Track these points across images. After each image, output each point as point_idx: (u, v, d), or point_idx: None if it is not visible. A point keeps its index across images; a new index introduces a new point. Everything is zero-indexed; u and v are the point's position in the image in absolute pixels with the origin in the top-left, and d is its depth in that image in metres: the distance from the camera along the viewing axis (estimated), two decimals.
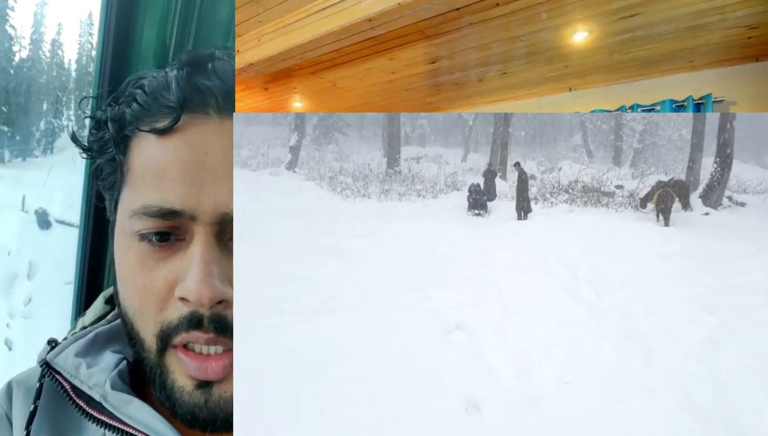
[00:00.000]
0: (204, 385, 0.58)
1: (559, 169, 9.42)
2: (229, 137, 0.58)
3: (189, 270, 0.56)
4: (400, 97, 3.78)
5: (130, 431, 0.60)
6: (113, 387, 0.62)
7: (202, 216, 0.56)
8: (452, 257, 3.83)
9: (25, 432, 0.64)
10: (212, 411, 0.59)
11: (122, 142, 0.62)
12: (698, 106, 2.72)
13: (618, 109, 3.01)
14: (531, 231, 4.89)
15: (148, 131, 0.59)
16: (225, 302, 0.57)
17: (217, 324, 0.57)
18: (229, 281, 0.58)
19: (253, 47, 2.84)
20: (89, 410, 0.62)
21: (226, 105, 0.58)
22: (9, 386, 0.70)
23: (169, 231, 0.58)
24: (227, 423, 0.59)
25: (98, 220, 0.66)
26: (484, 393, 1.71)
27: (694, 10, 2.17)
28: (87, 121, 0.67)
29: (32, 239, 8.94)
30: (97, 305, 0.76)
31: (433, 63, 3.04)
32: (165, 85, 0.59)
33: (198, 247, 0.56)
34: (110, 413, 0.61)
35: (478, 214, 6.76)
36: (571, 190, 8.13)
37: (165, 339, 0.58)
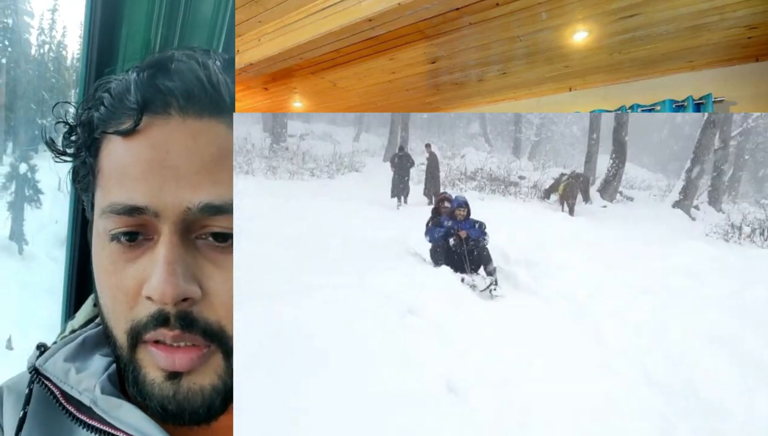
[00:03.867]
0: (173, 377, 0.59)
1: (462, 157, 9.51)
2: (193, 136, 0.59)
3: (154, 269, 0.57)
4: (400, 97, 3.78)
5: (121, 435, 0.60)
6: (103, 391, 0.63)
7: (165, 213, 0.57)
8: (381, 240, 3.72)
9: None
10: (180, 404, 0.59)
11: (92, 145, 0.63)
12: (698, 106, 2.72)
13: (618, 109, 3.02)
14: None
15: (114, 133, 0.60)
16: (190, 300, 0.58)
17: (182, 321, 0.58)
18: (194, 278, 0.58)
19: (253, 47, 2.84)
20: (79, 416, 0.63)
21: (187, 105, 0.60)
22: (0, 392, 0.70)
23: (137, 230, 0.59)
24: (195, 416, 0.60)
25: (87, 223, 0.67)
26: (453, 376, 1.70)
27: (694, 10, 2.17)
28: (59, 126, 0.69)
29: None
30: (87, 308, 0.76)
31: (433, 63, 3.05)
32: (128, 88, 0.61)
33: (162, 246, 0.58)
34: (100, 417, 0.62)
35: (399, 199, 6.23)
36: (479, 178, 8.20)
37: (135, 336, 0.60)
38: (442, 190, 6.36)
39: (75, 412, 0.63)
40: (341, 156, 9.17)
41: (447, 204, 3.44)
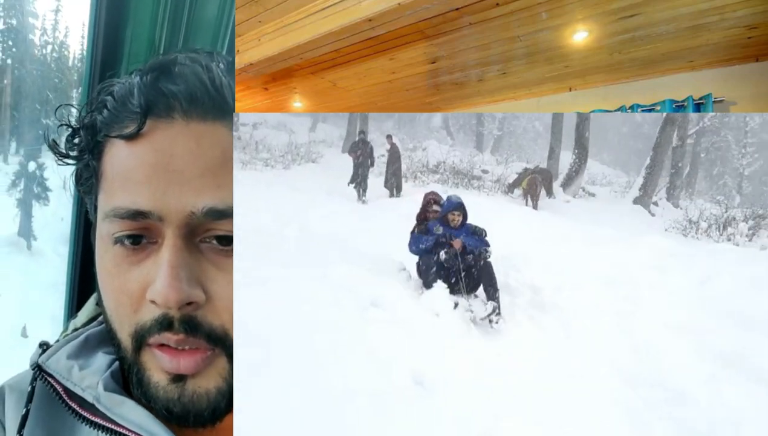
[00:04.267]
0: (178, 380, 0.59)
1: (424, 149, 9.49)
2: (196, 139, 0.59)
3: (158, 273, 0.57)
4: (400, 97, 3.78)
5: (124, 432, 0.60)
6: (106, 388, 0.63)
7: (169, 217, 0.57)
8: (339, 232, 3.68)
9: None
10: (185, 406, 0.60)
11: (95, 148, 0.63)
12: (698, 106, 2.72)
13: (618, 109, 3.01)
14: (414, 210, 4.72)
15: (117, 137, 0.60)
16: (195, 304, 0.58)
17: (186, 325, 0.58)
18: (198, 282, 0.58)
19: (253, 47, 2.84)
20: (82, 412, 0.63)
21: (190, 108, 0.59)
22: (2, 391, 0.70)
23: (141, 234, 0.59)
24: (200, 418, 0.60)
25: (90, 223, 0.67)
26: (418, 369, 1.69)
27: (694, 10, 2.17)
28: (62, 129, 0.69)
29: None
30: (89, 307, 0.76)
31: (433, 63, 3.04)
32: (131, 92, 0.61)
33: (166, 250, 0.58)
34: (103, 414, 0.62)
35: (358, 191, 5.93)
36: (441, 171, 8.18)
37: (139, 340, 0.60)
38: (404, 183, 6.15)
39: (78, 409, 0.63)
40: (297, 146, 8.90)
41: (436, 207, 2.81)
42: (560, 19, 2.35)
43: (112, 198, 0.60)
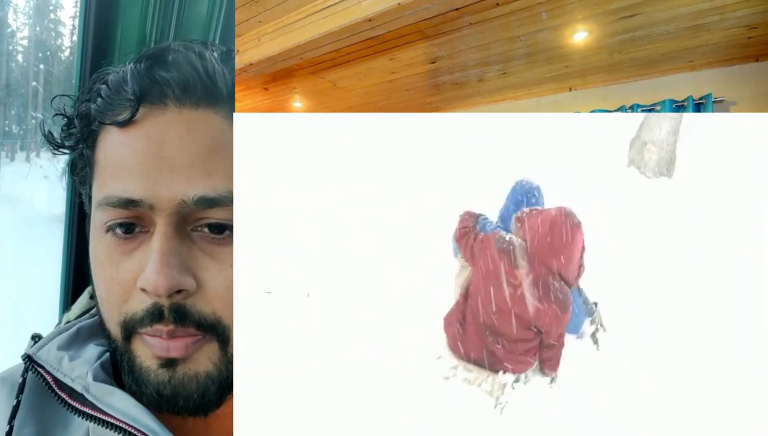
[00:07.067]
0: (168, 364, 0.60)
1: None
2: (187, 127, 0.59)
3: (148, 260, 0.57)
4: (400, 97, 3.78)
5: (113, 421, 0.60)
6: (95, 378, 0.63)
7: (160, 205, 0.57)
8: None
9: (8, 427, 0.64)
10: (175, 388, 0.60)
11: (90, 137, 0.63)
12: (698, 106, 2.73)
13: (618, 109, 3.02)
14: None
15: (110, 124, 0.60)
16: (185, 292, 0.58)
17: (176, 314, 0.58)
18: (189, 270, 0.58)
19: (253, 47, 2.84)
20: (71, 402, 0.63)
21: (183, 95, 0.59)
22: None
23: (133, 222, 0.59)
24: (190, 402, 0.60)
25: (83, 214, 0.68)
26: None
27: (694, 10, 2.17)
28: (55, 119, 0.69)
29: None
30: (83, 300, 0.76)
31: (433, 63, 3.05)
32: (125, 79, 0.61)
33: (157, 237, 0.58)
34: (92, 404, 0.62)
35: None
36: None
37: (129, 330, 0.60)
38: None
39: (67, 399, 0.63)
40: None
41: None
42: (560, 19, 2.35)
43: (104, 186, 0.60)
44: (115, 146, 0.60)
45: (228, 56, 0.67)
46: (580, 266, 1.45)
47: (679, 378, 1.51)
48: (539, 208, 1.45)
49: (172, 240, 0.58)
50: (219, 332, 0.60)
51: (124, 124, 0.59)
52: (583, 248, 1.43)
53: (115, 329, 0.61)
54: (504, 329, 1.33)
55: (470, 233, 1.49)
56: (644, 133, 3.72)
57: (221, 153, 0.59)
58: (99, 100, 0.63)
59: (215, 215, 0.58)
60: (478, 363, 1.40)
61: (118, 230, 0.59)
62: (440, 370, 1.45)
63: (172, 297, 0.58)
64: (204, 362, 0.60)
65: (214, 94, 0.60)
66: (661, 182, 3.60)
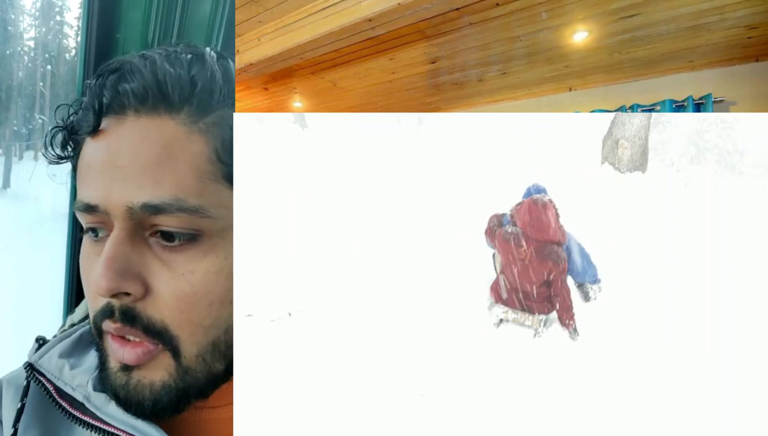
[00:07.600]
0: (126, 368, 0.61)
1: None
2: (142, 135, 0.60)
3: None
4: (400, 97, 3.78)
5: (114, 431, 0.61)
6: (95, 388, 0.64)
7: (113, 211, 0.59)
8: None
9: (12, 430, 0.65)
10: (128, 393, 0.61)
11: (77, 147, 0.66)
12: (698, 106, 2.73)
13: (618, 109, 3.02)
14: None
15: (83, 135, 0.63)
16: (132, 296, 0.59)
17: (124, 315, 0.59)
18: (137, 275, 0.59)
19: (253, 47, 2.84)
20: (72, 411, 0.64)
21: (140, 105, 0.60)
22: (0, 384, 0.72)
23: (98, 227, 0.62)
24: (140, 407, 0.61)
25: None
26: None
27: (694, 10, 2.18)
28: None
29: None
30: (86, 303, 0.77)
31: (433, 63, 3.05)
32: (90, 92, 0.64)
33: (108, 241, 0.60)
34: (93, 413, 0.62)
35: None
36: None
37: (98, 327, 0.62)
38: None
39: (68, 407, 0.64)
40: None
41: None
42: (560, 19, 2.35)
43: (78, 192, 0.63)
44: (86, 154, 0.63)
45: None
46: (560, 227, 1.99)
47: (655, 373, 1.75)
48: (521, 201, 2.08)
49: (122, 244, 0.59)
50: (167, 341, 0.60)
51: (91, 135, 0.62)
52: (557, 215, 1.98)
53: (93, 328, 0.64)
54: (524, 287, 1.99)
55: (494, 230, 2.14)
56: (616, 130, 3.75)
57: (172, 161, 0.59)
58: (80, 111, 0.65)
59: (163, 223, 0.59)
60: (516, 309, 2.04)
61: (90, 234, 0.63)
62: (493, 317, 2.07)
63: (120, 299, 0.59)
64: (160, 372, 0.61)
65: (170, 101, 0.60)
66: (635, 177, 3.66)
